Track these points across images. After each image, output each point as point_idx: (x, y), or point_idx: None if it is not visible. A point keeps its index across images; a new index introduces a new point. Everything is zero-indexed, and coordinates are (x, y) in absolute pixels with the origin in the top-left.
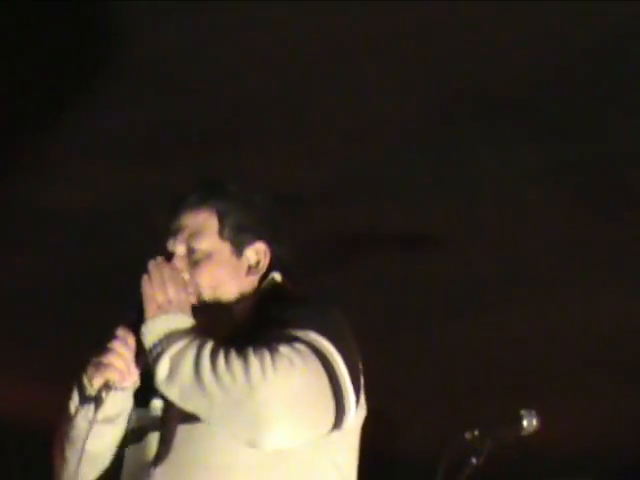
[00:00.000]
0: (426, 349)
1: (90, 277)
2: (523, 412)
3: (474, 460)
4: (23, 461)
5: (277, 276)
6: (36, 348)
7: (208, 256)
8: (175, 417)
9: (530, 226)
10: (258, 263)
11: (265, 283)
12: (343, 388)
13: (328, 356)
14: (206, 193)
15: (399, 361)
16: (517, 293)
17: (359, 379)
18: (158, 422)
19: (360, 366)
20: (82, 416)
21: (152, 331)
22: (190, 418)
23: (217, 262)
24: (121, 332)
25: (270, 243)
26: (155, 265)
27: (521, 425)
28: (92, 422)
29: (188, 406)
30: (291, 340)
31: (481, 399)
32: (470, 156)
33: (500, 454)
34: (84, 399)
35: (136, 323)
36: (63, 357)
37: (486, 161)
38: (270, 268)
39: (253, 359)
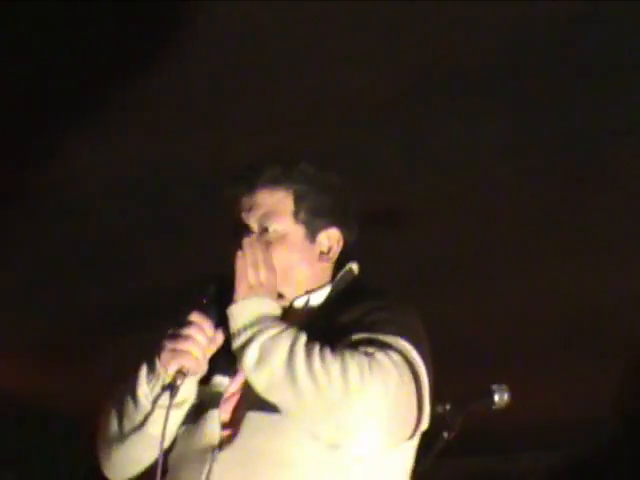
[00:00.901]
0: None
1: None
2: (494, 387)
3: (445, 434)
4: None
5: (354, 266)
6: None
7: (281, 238)
8: (248, 402)
9: (499, 201)
10: (330, 250)
11: (342, 273)
12: (424, 400)
13: (416, 367)
14: (283, 171)
15: None
16: (487, 268)
17: (432, 387)
18: (219, 401)
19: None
20: (150, 400)
21: (242, 313)
22: (265, 406)
23: (290, 245)
24: (196, 317)
25: (343, 229)
26: (250, 244)
27: (492, 399)
28: (169, 409)
29: (272, 396)
30: (385, 347)
31: (452, 374)
32: (440, 130)
33: (471, 428)
34: (154, 383)
35: (210, 306)
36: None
37: (456, 135)
38: (342, 256)
39: (351, 362)
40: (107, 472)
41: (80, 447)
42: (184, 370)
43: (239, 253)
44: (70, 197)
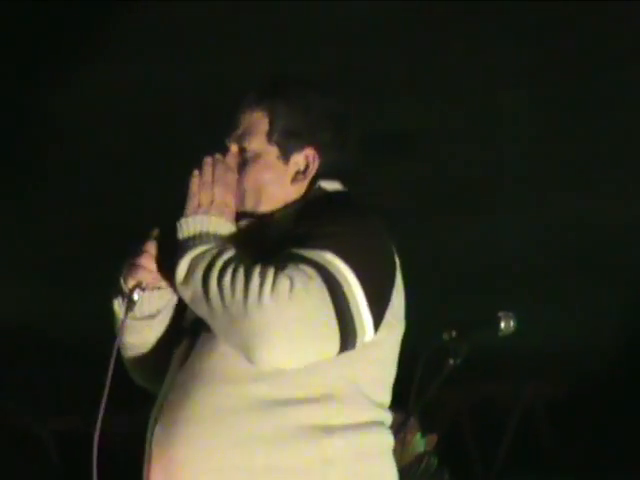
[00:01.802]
0: (401, 252)
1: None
2: (501, 314)
3: (451, 361)
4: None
5: (328, 184)
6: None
7: (255, 157)
8: (201, 323)
9: (505, 127)
10: (306, 169)
11: (311, 192)
12: (353, 311)
13: (339, 279)
14: (264, 91)
15: None
16: (494, 195)
17: (383, 297)
18: (194, 325)
19: (389, 282)
20: (120, 312)
21: (186, 229)
22: (204, 325)
23: (263, 165)
24: (155, 233)
25: (323, 149)
26: (209, 162)
27: (498, 327)
28: (123, 321)
29: (198, 313)
30: (302, 261)
31: (458, 302)
32: (446, 55)
33: (476, 356)
34: (121, 297)
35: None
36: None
37: (465, 59)
38: (319, 176)
39: (255, 278)
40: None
41: (82, 373)
42: (141, 284)
43: (195, 172)
44: (71, 124)
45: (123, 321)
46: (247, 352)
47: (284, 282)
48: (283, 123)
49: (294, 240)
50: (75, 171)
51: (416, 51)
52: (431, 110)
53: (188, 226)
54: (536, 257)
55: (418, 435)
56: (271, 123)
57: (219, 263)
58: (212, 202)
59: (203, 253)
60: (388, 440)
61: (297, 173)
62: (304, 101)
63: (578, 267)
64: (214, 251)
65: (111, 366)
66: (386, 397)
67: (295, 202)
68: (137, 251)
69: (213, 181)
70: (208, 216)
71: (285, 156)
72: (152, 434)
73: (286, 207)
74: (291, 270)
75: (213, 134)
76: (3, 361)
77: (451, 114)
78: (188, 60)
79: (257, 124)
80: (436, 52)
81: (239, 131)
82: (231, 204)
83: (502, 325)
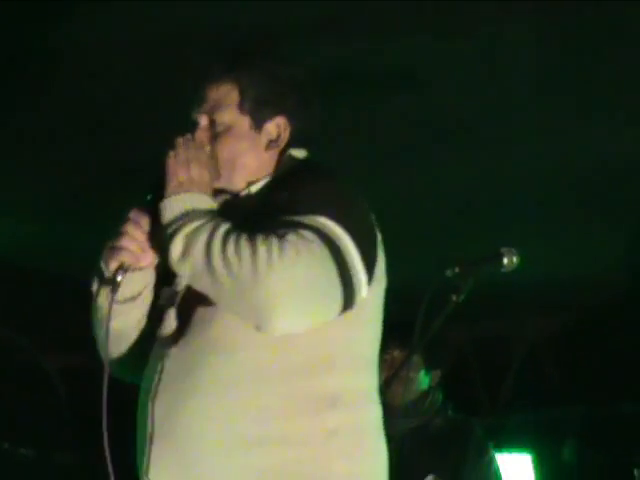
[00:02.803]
0: (403, 190)
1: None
2: (503, 249)
3: (455, 297)
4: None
5: (297, 152)
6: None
7: (227, 129)
8: (193, 297)
9: (506, 63)
10: (278, 138)
11: (283, 159)
12: (352, 270)
13: (336, 240)
14: (230, 63)
15: (375, 203)
16: (492, 131)
17: (372, 254)
18: (176, 299)
19: (374, 239)
20: (103, 298)
21: (170, 208)
22: (206, 299)
23: (236, 136)
24: (133, 214)
25: (292, 117)
26: (182, 142)
27: (501, 262)
28: (110, 304)
29: (198, 287)
30: (299, 227)
31: (461, 238)
32: None
33: (479, 291)
34: (103, 282)
35: (153, 203)
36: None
37: None
38: (290, 143)
39: (261, 246)
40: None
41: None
42: (124, 265)
43: (170, 152)
44: (77, 61)
45: (111, 303)
46: (259, 318)
47: (290, 247)
48: (253, 93)
49: (282, 208)
50: (78, 106)
51: None
52: (433, 44)
53: (172, 206)
54: (537, 192)
55: (422, 372)
56: (241, 93)
57: (218, 235)
58: (191, 180)
59: (197, 228)
60: (380, 415)
61: (270, 142)
62: (271, 71)
63: (580, 201)
64: (209, 225)
65: (106, 359)
66: (378, 356)
67: (269, 171)
68: (116, 234)
69: (188, 160)
70: (191, 194)
71: (257, 125)
72: (151, 410)
73: (263, 176)
74: (292, 236)
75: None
76: (12, 298)
77: (453, 47)
78: None
79: (226, 96)
80: None
81: (207, 104)
82: (208, 180)
83: (505, 261)
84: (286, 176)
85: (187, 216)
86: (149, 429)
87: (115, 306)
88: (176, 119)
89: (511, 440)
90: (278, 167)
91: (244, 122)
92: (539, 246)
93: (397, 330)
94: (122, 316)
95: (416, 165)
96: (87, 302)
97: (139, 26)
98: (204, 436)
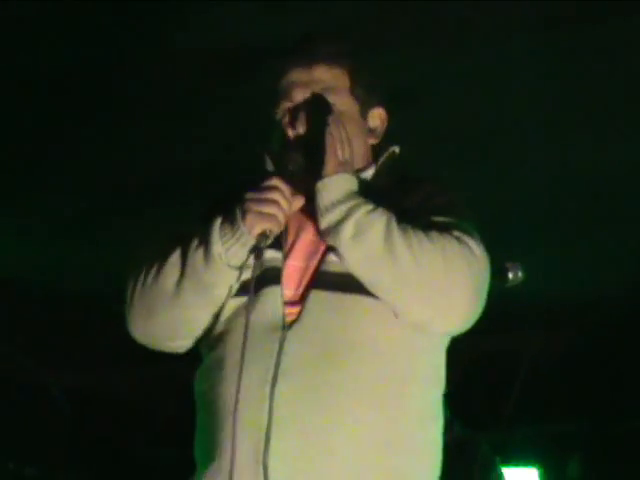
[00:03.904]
0: None
1: None
2: (508, 264)
3: None
4: None
5: (397, 149)
6: None
7: (341, 112)
8: (311, 280)
9: (512, 78)
10: (377, 128)
11: (387, 154)
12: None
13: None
14: (338, 49)
15: None
16: (496, 145)
17: None
18: (278, 277)
19: None
20: (224, 261)
21: (334, 188)
22: (330, 284)
23: (349, 119)
24: (279, 183)
25: (387, 110)
26: (337, 120)
27: (506, 277)
28: (254, 272)
29: (367, 272)
30: (465, 232)
31: None
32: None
33: (485, 306)
34: (231, 244)
35: (288, 175)
36: None
37: (469, 9)
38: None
39: (448, 244)
40: (144, 333)
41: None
42: (268, 233)
43: (328, 129)
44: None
45: (255, 270)
46: (440, 311)
47: (470, 252)
48: (363, 80)
49: (424, 209)
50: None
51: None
52: (435, 61)
53: (337, 185)
54: (540, 207)
55: None
56: (352, 79)
57: (394, 224)
58: (347, 160)
59: (369, 212)
60: None
61: (371, 131)
62: (369, 63)
63: (584, 216)
64: (382, 211)
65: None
66: None
67: (371, 163)
68: (261, 200)
69: (342, 139)
70: (349, 175)
71: (364, 113)
72: (268, 396)
73: (365, 164)
74: (468, 239)
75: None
76: (17, 317)
77: (454, 64)
78: None
79: (339, 80)
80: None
81: (319, 86)
82: (353, 162)
83: (510, 275)
84: (397, 174)
85: (354, 198)
86: (265, 414)
87: (226, 270)
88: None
89: (518, 454)
90: (384, 160)
91: (354, 107)
92: (544, 261)
93: None
94: (226, 284)
95: None
96: (93, 323)
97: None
98: (339, 433)
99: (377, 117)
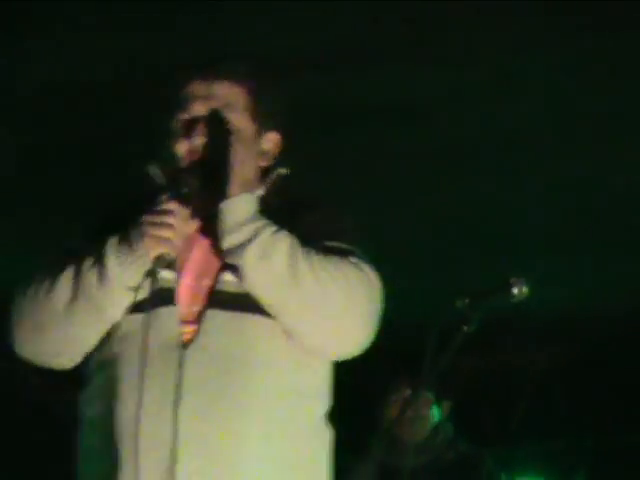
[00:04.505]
0: (412, 219)
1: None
2: (513, 280)
3: (465, 328)
4: None
5: (284, 171)
6: None
7: (238, 131)
8: (204, 300)
9: (515, 94)
10: (269, 151)
11: (274, 175)
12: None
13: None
14: (242, 68)
15: (383, 233)
16: (501, 159)
17: None
18: (172, 297)
19: None
20: (120, 282)
21: (239, 209)
22: (225, 304)
23: (244, 140)
24: (175, 207)
25: (283, 135)
26: (238, 139)
27: (511, 292)
28: (150, 293)
29: (270, 293)
30: (360, 258)
31: (470, 268)
32: (454, 22)
33: (489, 321)
34: (126, 266)
35: (184, 197)
36: None
37: (469, 27)
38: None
39: (349, 270)
40: (31, 349)
41: None
42: (164, 257)
43: (231, 148)
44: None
45: (153, 293)
46: (339, 340)
47: (368, 279)
48: (261, 102)
49: (317, 232)
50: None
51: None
52: (431, 76)
53: (242, 205)
54: (545, 222)
55: (434, 407)
56: (252, 99)
57: (298, 247)
58: (250, 179)
59: (273, 234)
60: None
61: (264, 153)
62: (274, 85)
63: (589, 231)
64: (285, 233)
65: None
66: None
67: (256, 183)
68: (156, 223)
69: (245, 157)
70: (252, 195)
71: (260, 134)
72: (172, 415)
73: (252, 187)
74: (365, 266)
75: None
76: None
77: (457, 81)
78: None
79: (238, 98)
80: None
81: (218, 102)
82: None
83: (515, 291)
84: (284, 195)
85: (258, 219)
86: (170, 434)
87: (131, 294)
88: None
89: (523, 470)
90: (270, 182)
91: (251, 128)
92: (548, 276)
93: (405, 361)
94: (121, 307)
95: (421, 196)
96: None
97: None
98: (242, 451)
99: (271, 140)
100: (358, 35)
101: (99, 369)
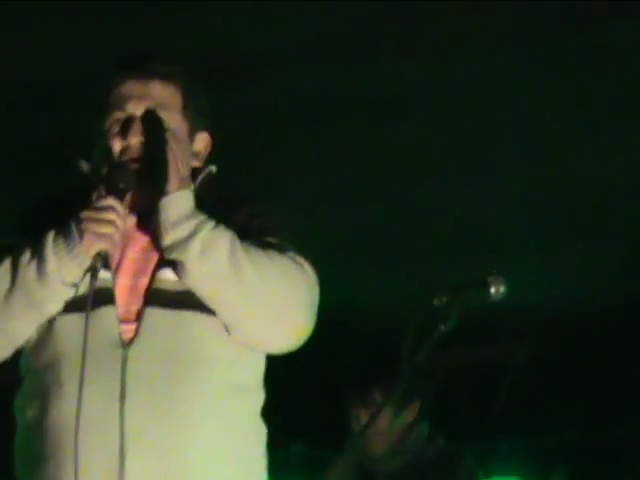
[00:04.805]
0: (393, 215)
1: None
2: (490, 278)
3: (442, 326)
4: None
5: (214, 169)
6: None
7: (172, 131)
8: (143, 298)
9: (498, 89)
10: (200, 152)
11: (205, 174)
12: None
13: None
14: (175, 68)
15: (360, 231)
16: (479, 156)
17: None
18: (110, 296)
19: None
20: (59, 278)
21: (178, 205)
22: (164, 302)
23: (178, 139)
24: (115, 203)
25: (212, 136)
26: (174, 137)
27: (488, 291)
28: (91, 291)
29: (212, 289)
30: (296, 253)
31: (447, 265)
32: (440, 15)
33: (466, 318)
34: (64, 262)
35: (120, 193)
36: None
37: (455, 19)
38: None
39: (288, 265)
40: None
41: None
42: (104, 253)
43: (168, 145)
44: None
45: (92, 290)
46: (275, 331)
47: (307, 274)
48: (194, 102)
49: (251, 229)
50: None
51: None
52: (419, 72)
53: (180, 202)
54: (524, 218)
55: (391, 420)
56: (185, 99)
57: (238, 242)
58: (185, 176)
59: (213, 229)
60: None
61: (195, 154)
62: (203, 85)
63: (566, 227)
64: (224, 228)
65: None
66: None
67: (188, 182)
68: (97, 220)
69: (179, 154)
70: (189, 191)
71: (192, 134)
72: (119, 416)
73: (191, 185)
74: (303, 261)
75: None
76: None
77: (442, 74)
78: None
79: (172, 98)
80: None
81: (152, 102)
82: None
83: (492, 290)
84: (214, 192)
85: (197, 215)
86: (115, 434)
87: (70, 290)
88: None
89: (501, 466)
90: (201, 180)
91: (184, 128)
92: (527, 272)
93: (383, 359)
94: (59, 303)
95: (401, 191)
96: None
97: None
98: (189, 448)
99: (202, 141)
100: (343, 31)
101: (35, 371)
